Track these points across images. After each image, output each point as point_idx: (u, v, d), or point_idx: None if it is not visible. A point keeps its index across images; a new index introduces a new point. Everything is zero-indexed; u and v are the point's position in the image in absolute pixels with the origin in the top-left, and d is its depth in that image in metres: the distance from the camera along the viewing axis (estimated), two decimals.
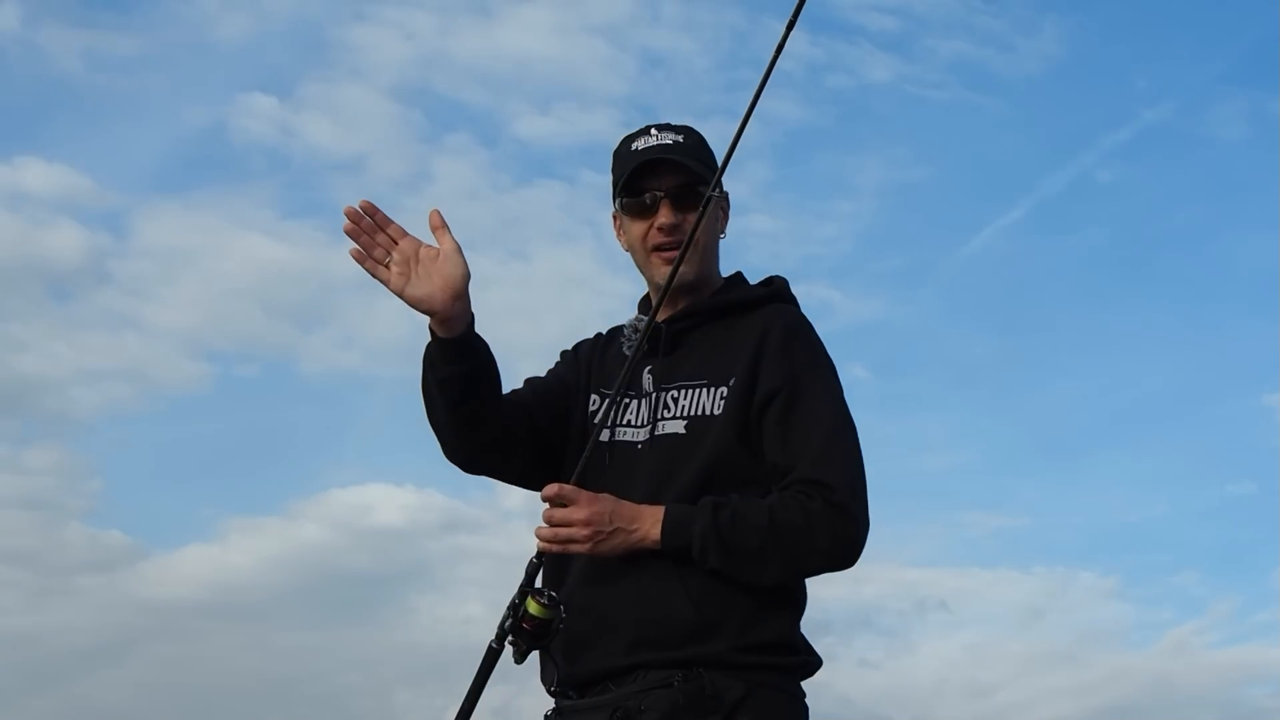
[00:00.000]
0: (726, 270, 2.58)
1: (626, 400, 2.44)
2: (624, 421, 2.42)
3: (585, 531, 2.24)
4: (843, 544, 2.26)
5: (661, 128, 2.47)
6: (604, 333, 2.64)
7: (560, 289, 9.58)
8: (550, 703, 2.39)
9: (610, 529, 2.25)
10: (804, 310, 2.49)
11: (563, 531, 2.24)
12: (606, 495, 2.28)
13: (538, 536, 2.27)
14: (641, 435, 2.39)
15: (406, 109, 9.38)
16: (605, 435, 2.41)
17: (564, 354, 2.63)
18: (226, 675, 8.82)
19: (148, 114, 9.54)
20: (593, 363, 2.57)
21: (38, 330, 9.31)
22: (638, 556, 2.27)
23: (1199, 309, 9.68)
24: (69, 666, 8.88)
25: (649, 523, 2.25)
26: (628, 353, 2.46)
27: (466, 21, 9.52)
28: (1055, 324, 9.93)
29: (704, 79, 9.36)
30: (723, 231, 2.51)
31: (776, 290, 2.50)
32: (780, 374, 2.33)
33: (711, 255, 2.50)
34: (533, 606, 2.23)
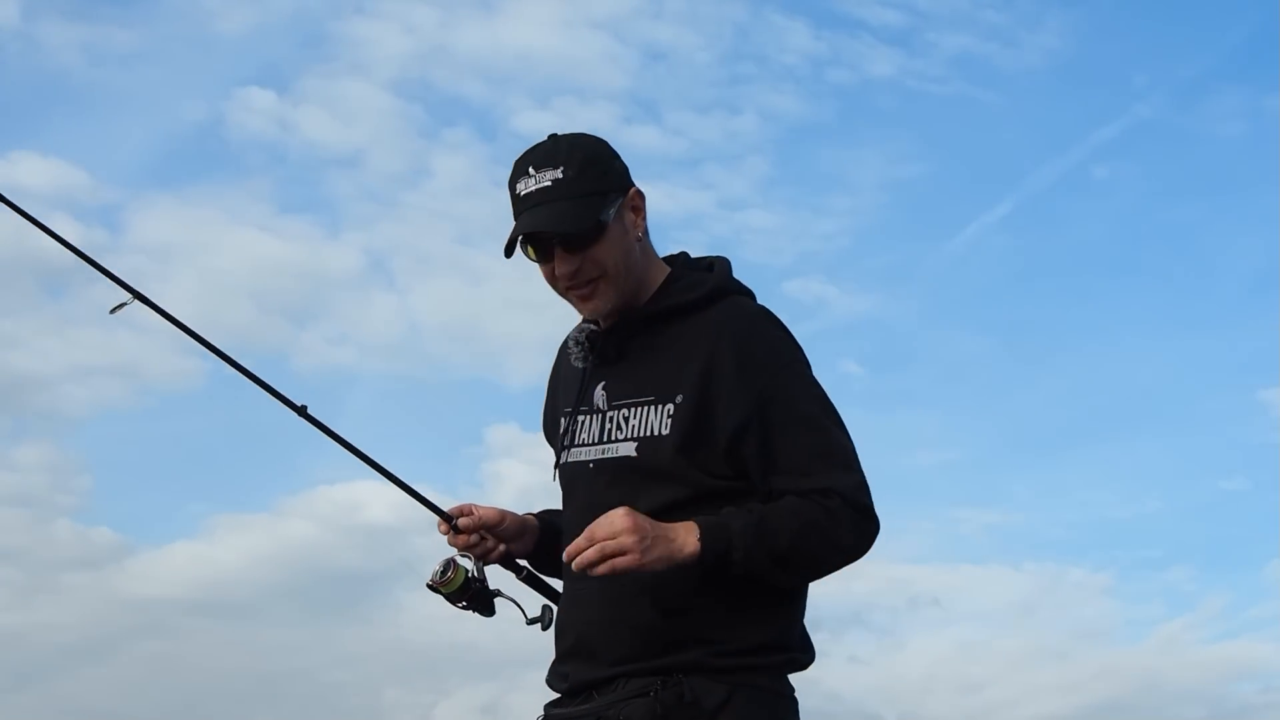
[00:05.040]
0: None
1: (581, 417, 2.38)
2: (579, 441, 2.37)
3: (632, 539, 2.11)
4: (865, 537, 2.25)
5: (540, 165, 2.27)
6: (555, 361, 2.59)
7: None
8: (544, 704, 2.37)
9: (652, 537, 2.14)
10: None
11: (610, 544, 2.12)
12: (625, 508, 2.18)
13: (575, 556, 2.15)
14: (591, 454, 2.33)
15: (406, 103, 9.35)
16: (562, 457, 2.38)
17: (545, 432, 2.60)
18: (214, 673, 8.80)
19: (144, 108, 9.51)
20: (556, 395, 2.53)
21: (30, 326, 9.28)
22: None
23: (1192, 304, 9.68)
24: (55, 664, 8.86)
25: (682, 531, 2.16)
26: (575, 363, 2.41)
27: (469, 14, 9.51)
28: (1047, 319, 9.92)
29: (706, 73, 9.35)
30: (641, 232, 2.35)
31: (718, 285, 2.35)
32: (744, 403, 2.23)
33: (631, 271, 2.33)
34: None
